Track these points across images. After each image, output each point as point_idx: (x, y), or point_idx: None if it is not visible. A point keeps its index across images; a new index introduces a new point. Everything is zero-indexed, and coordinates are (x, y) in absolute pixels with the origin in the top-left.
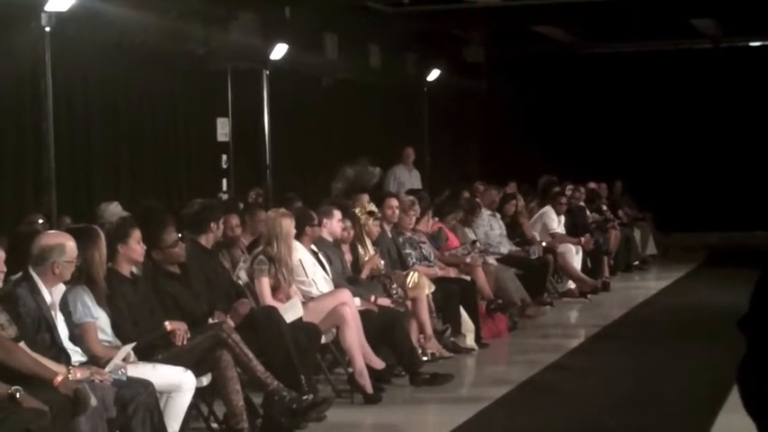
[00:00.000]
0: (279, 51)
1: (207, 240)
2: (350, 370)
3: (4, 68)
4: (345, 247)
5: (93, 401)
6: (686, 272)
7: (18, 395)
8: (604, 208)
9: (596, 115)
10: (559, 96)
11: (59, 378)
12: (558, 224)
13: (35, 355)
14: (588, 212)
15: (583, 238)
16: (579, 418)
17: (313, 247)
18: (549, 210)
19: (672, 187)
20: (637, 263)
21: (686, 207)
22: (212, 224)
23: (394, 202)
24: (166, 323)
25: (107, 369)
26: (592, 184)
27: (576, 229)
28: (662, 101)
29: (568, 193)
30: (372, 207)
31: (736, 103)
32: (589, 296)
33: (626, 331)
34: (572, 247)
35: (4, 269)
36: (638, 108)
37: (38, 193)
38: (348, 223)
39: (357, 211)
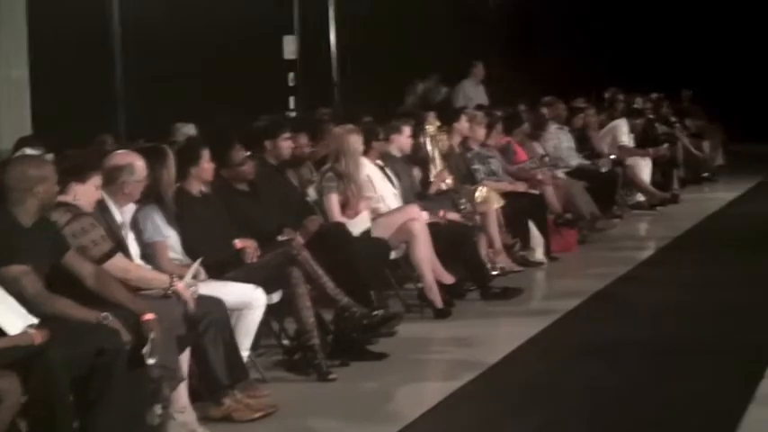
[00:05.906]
0: None
1: (275, 158)
2: (419, 285)
3: None
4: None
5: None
6: (757, 182)
7: (106, 322)
8: (672, 119)
9: (663, 23)
10: (624, 4)
11: (149, 316)
12: (628, 137)
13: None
14: (656, 124)
15: (651, 150)
16: (650, 330)
17: (379, 162)
18: (621, 122)
19: (741, 96)
20: (706, 174)
21: (756, 115)
22: (280, 142)
23: (464, 118)
24: (236, 241)
25: None
26: (654, 95)
27: (645, 141)
28: (729, 3)
29: (637, 105)
30: (437, 123)
31: None
32: (658, 208)
33: (696, 242)
34: (641, 160)
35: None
36: (705, 13)
37: (107, 113)
38: (420, 139)
39: (425, 127)
